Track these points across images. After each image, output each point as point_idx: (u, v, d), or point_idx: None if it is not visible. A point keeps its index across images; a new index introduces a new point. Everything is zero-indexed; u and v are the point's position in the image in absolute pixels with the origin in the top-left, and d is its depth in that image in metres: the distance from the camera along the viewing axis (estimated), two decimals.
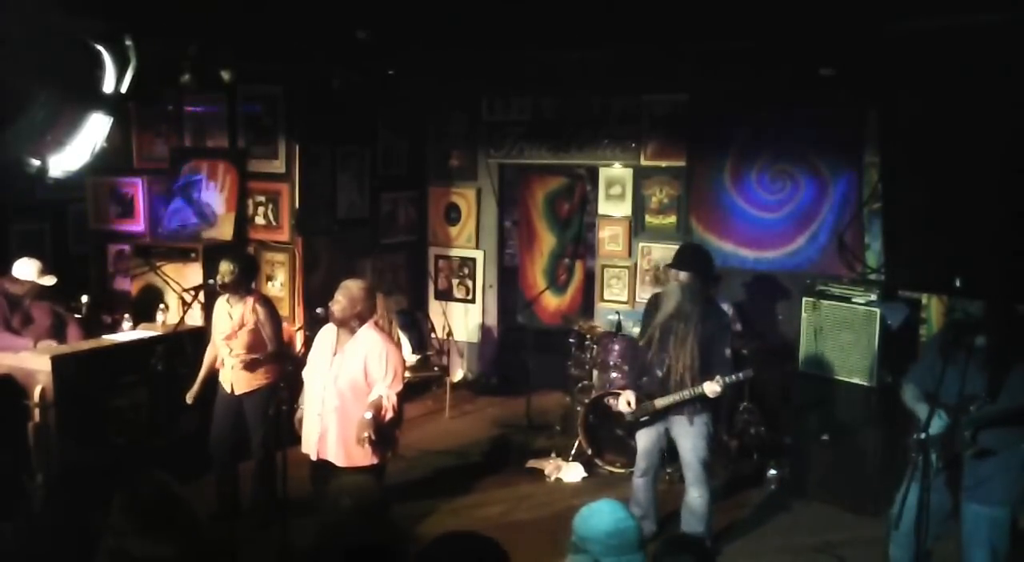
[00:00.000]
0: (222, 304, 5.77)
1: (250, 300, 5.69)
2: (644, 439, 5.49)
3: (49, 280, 6.23)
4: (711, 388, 5.12)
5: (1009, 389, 4.14)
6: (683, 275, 5.23)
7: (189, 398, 5.83)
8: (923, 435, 3.96)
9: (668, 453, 5.94)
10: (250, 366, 5.63)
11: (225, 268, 5.65)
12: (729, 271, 7.60)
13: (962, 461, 4.20)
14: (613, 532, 3.08)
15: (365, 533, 3.38)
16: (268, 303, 5.83)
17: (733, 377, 5.19)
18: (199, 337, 6.35)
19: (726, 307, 7.23)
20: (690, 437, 5.32)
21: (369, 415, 4.91)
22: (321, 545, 3.40)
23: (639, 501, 5.49)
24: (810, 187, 7.31)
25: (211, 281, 5.84)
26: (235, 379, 5.71)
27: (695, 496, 5.34)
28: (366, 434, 4.88)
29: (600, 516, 3.13)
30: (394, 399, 4.99)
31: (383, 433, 5.02)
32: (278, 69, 7.25)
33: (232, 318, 5.66)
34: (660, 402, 5.31)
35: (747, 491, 6.46)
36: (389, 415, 4.99)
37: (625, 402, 5.42)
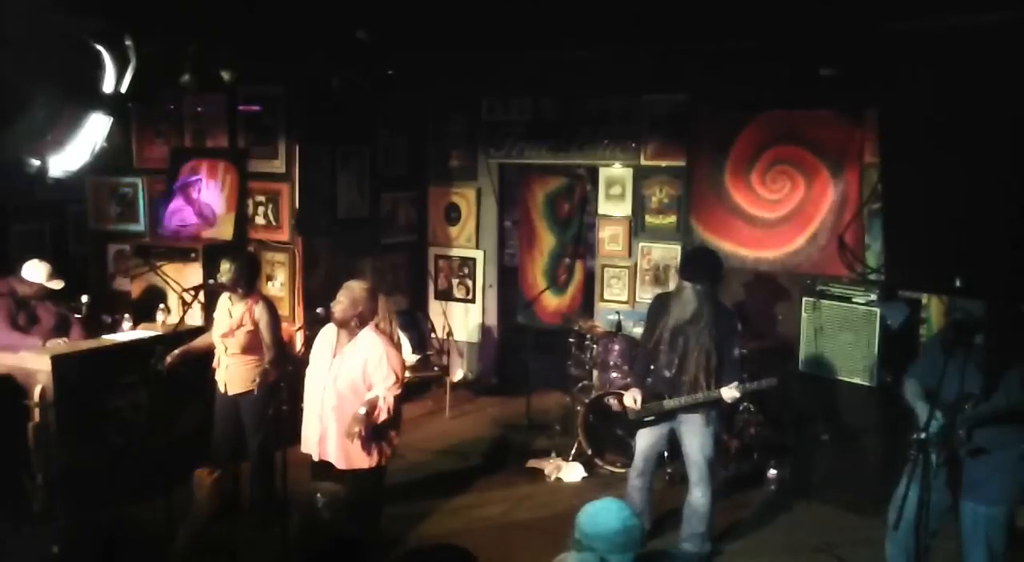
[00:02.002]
0: (224, 301, 5.77)
1: (251, 301, 5.69)
2: (645, 439, 5.46)
3: (57, 284, 6.25)
4: (729, 394, 5.10)
5: (1005, 388, 4.15)
6: (695, 285, 5.18)
7: (168, 357, 5.51)
8: (923, 434, 3.97)
9: (669, 453, 5.94)
10: (252, 366, 5.63)
11: (224, 267, 5.66)
12: (729, 271, 7.53)
13: (960, 460, 4.21)
14: (621, 530, 3.14)
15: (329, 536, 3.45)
16: (269, 305, 5.82)
17: (754, 384, 5.17)
18: (199, 337, 6.35)
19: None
20: (699, 436, 5.29)
21: (363, 411, 4.90)
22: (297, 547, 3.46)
23: (634, 501, 5.44)
24: (810, 187, 7.30)
25: (211, 281, 5.84)
26: (229, 379, 5.70)
27: (698, 496, 5.33)
28: (356, 429, 4.88)
29: (607, 515, 3.18)
30: (391, 401, 4.98)
31: (374, 432, 5.01)
32: (278, 69, 7.25)
33: (232, 316, 5.65)
34: (669, 403, 5.28)
35: (747, 491, 6.46)
36: (383, 416, 4.97)
37: (631, 399, 5.37)
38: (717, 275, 5.31)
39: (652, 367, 5.44)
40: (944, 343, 4.26)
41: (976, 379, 4.14)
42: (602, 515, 3.19)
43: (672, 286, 6.34)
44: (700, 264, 5.32)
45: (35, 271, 6.19)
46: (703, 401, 5.20)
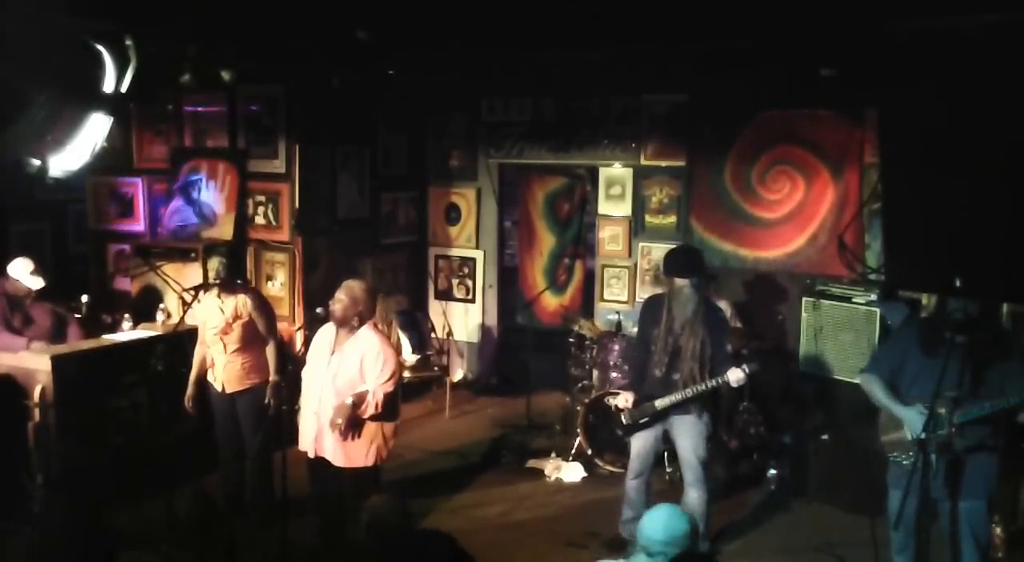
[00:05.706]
0: (211, 300, 5.70)
1: (240, 293, 5.67)
2: (640, 441, 5.42)
3: (37, 282, 6.18)
4: (736, 377, 5.06)
5: (989, 386, 4.17)
6: (692, 279, 5.19)
7: (188, 403, 5.77)
8: (922, 435, 3.97)
9: (669, 453, 5.92)
10: (248, 364, 5.63)
11: (215, 263, 5.62)
12: (729, 271, 7.59)
13: (962, 459, 4.22)
14: (690, 532, 3.57)
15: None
16: (258, 294, 5.82)
17: (755, 365, 5.16)
18: (194, 362, 6.31)
19: (725, 306, 7.24)
20: (692, 436, 5.28)
21: (350, 401, 4.92)
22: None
23: (632, 503, 5.43)
24: (810, 187, 7.31)
25: (212, 281, 5.81)
26: (226, 378, 5.67)
27: (694, 497, 5.31)
28: (340, 420, 4.90)
29: (676, 520, 3.60)
30: (380, 397, 4.97)
31: (357, 426, 5.02)
32: (278, 69, 7.25)
33: (224, 312, 5.60)
34: (662, 402, 5.25)
35: (747, 491, 6.45)
36: (369, 411, 4.97)
37: (623, 399, 5.36)
38: (705, 269, 5.41)
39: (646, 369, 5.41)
40: (924, 341, 4.28)
41: (956, 377, 4.13)
42: (671, 521, 3.56)
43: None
44: (693, 260, 5.34)
45: (17, 267, 6.17)
46: (704, 392, 5.19)
